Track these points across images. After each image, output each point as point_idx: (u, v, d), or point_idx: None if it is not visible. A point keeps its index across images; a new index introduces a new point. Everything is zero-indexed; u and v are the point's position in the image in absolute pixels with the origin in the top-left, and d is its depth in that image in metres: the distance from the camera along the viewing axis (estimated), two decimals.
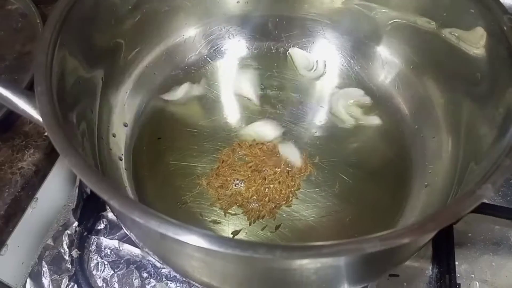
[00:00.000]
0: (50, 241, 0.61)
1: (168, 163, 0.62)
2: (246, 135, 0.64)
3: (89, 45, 0.53)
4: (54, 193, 0.65)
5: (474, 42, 0.51)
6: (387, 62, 0.67)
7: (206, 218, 0.57)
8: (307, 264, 0.37)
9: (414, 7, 0.61)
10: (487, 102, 0.48)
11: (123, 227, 0.53)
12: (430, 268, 0.60)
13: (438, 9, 0.57)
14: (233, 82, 0.71)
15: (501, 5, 0.48)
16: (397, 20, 0.64)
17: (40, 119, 0.41)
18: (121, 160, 0.60)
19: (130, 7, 0.59)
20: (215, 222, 0.57)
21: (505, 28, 0.46)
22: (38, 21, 0.72)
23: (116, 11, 0.57)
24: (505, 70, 0.45)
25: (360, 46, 0.69)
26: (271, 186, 0.59)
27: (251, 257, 0.33)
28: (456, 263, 0.59)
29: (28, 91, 0.43)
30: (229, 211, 0.58)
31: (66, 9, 0.48)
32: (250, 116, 0.67)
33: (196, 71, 0.70)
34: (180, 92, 0.67)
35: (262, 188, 0.59)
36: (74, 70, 0.49)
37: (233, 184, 0.60)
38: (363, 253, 0.32)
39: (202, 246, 0.32)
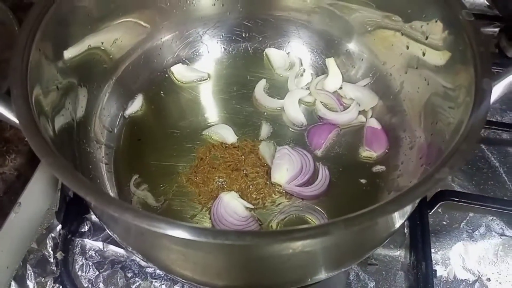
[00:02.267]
0: (34, 245, 0.62)
1: (149, 163, 0.63)
2: (207, 136, 0.66)
3: (65, 52, 0.54)
4: (37, 197, 0.65)
5: (436, 33, 0.54)
6: (359, 58, 0.70)
7: (186, 215, 0.59)
8: (280, 251, 0.39)
9: (381, 5, 0.63)
10: (449, 91, 0.51)
11: (106, 228, 0.53)
12: (408, 256, 0.62)
13: (403, 6, 0.59)
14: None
15: (459, 1, 0.51)
16: (366, 18, 0.66)
17: (17, 121, 0.42)
18: (102, 163, 0.61)
19: (106, 13, 0.61)
20: (193, 216, 0.59)
21: (462, 21, 0.48)
22: (16, 28, 0.72)
23: (92, 17, 0.58)
24: (463, 58, 0.47)
25: (332, 44, 0.72)
26: (254, 182, 0.61)
27: (224, 245, 0.34)
28: (432, 250, 0.61)
29: (5, 95, 0.44)
30: (207, 205, 0.59)
31: (41, 14, 0.49)
32: (228, 116, 0.68)
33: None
34: (137, 105, 0.68)
35: (245, 185, 0.61)
36: (50, 74, 0.50)
37: (215, 182, 0.61)
38: (330, 235, 0.34)
39: (176, 236, 0.34)
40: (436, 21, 0.54)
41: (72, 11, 0.54)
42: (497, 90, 0.46)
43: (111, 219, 0.48)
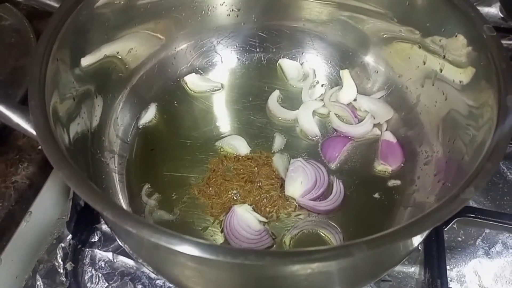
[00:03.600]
0: (44, 255, 0.62)
1: (161, 174, 0.62)
2: (219, 147, 0.65)
3: (82, 59, 0.54)
4: (48, 206, 0.65)
5: (457, 49, 0.53)
6: (374, 71, 0.69)
7: (198, 227, 0.58)
8: (297, 271, 0.38)
9: (400, 18, 0.62)
10: (472, 109, 0.50)
11: (117, 238, 0.53)
12: (422, 273, 0.61)
13: (422, 20, 0.58)
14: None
15: (481, 15, 0.50)
16: (383, 31, 0.66)
17: (34, 132, 0.42)
18: (115, 173, 0.61)
19: (122, 22, 0.60)
20: (205, 228, 0.58)
21: (485, 36, 0.47)
22: (32, 36, 0.72)
23: (109, 26, 0.58)
24: (486, 75, 0.46)
25: (347, 56, 0.71)
26: (268, 195, 0.60)
27: (242, 264, 0.34)
28: (448, 267, 0.60)
29: (21, 105, 0.44)
30: (220, 218, 0.58)
31: (59, 24, 0.49)
32: (241, 127, 0.68)
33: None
34: (150, 115, 0.68)
35: (258, 198, 0.60)
36: (67, 83, 0.50)
37: (228, 194, 0.60)
38: (351, 257, 0.33)
39: (194, 254, 0.33)
40: (456, 36, 0.53)
41: (90, 20, 0.54)
42: None
43: (123, 231, 0.47)
